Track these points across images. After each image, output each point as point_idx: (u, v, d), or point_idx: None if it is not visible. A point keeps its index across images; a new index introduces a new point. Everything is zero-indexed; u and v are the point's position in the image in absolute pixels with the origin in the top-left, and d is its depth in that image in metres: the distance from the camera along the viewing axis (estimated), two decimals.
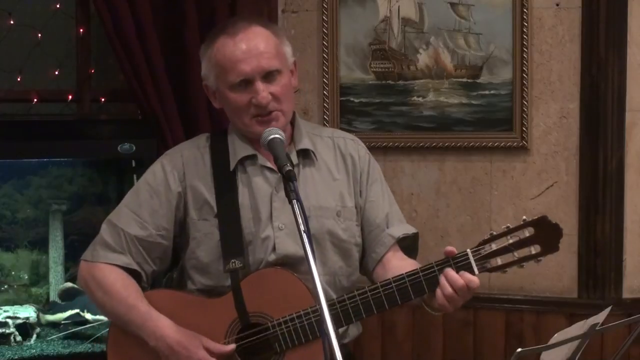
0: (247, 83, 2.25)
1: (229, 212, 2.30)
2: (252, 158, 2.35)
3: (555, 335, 1.87)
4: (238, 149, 2.35)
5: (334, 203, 2.36)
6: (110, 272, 2.31)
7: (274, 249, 2.29)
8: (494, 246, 2.17)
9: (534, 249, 2.17)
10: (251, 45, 2.26)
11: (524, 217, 2.18)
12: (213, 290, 2.31)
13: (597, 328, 1.94)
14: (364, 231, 2.41)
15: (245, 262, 2.28)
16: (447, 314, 3.24)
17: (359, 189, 2.41)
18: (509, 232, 2.17)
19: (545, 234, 2.17)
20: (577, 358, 1.99)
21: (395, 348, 3.31)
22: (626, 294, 3.16)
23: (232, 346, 2.23)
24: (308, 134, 2.41)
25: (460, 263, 2.18)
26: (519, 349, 1.77)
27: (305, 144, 2.37)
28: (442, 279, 2.16)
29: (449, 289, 2.15)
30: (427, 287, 2.19)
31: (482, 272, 2.18)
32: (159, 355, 2.26)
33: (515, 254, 2.17)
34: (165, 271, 2.47)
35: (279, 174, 2.31)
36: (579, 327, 1.93)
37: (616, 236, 3.14)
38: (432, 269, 2.18)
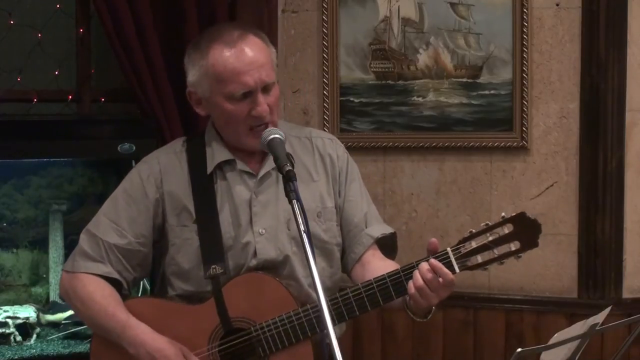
0: (246, 95, 2.24)
1: (207, 218, 2.30)
2: (230, 163, 2.34)
3: (555, 335, 1.87)
4: (216, 153, 2.34)
5: (314, 204, 2.35)
6: (89, 282, 2.31)
7: (254, 254, 2.29)
8: (474, 244, 2.18)
9: (514, 246, 2.18)
10: (253, 57, 2.24)
11: (503, 213, 2.19)
12: (193, 295, 2.31)
13: (597, 328, 1.94)
14: (343, 231, 2.42)
15: (226, 268, 2.27)
16: (447, 313, 3.27)
17: (337, 188, 2.42)
18: (488, 229, 2.19)
19: (524, 230, 2.18)
20: (577, 358, 1.99)
21: (395, 348, 3.31)
22: (626, 294, 3.16)
23: None
24: (287, 135, 2.40)
25: (440, 262, 2.18)
26: (519, 349, 1.77)
27: None
28: (415, 271, 2.17)
29: (419, 280, 2.15)
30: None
31: (463, 270, 2.19)
32: None
33: (495, 251, 2.18)
34: (157, 275, 2.47)
35: (258, 178, 2.32)
36: (579, 327, 1.93)
37: (616, 236, 3.14)
38: (412, 268, 2.19)
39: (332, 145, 2.46)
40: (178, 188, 2.33)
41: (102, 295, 2.30)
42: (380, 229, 2.43)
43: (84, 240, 2.35)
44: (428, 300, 2.16)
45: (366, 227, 2.41)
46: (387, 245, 2.45)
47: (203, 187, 2.32)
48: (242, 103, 2.25)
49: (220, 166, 2.34)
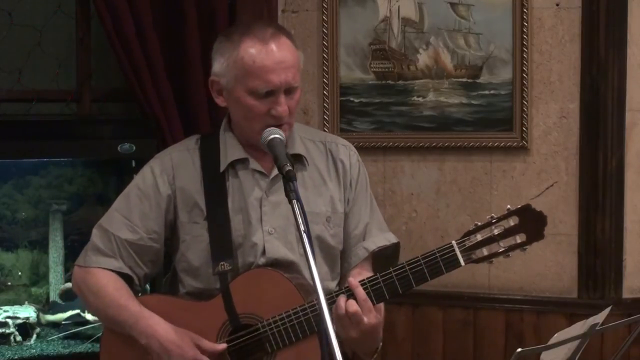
0: (269, 94, 2.24)
1: (218, 215, 2.30)
2: (243, 162, 2.35)
3: (555, 335, 1.87)
4: (230, 151, 2.35)
5: (325, 209, 2.36)
6: (102, 275, 2.33)
7: (263, 252, 2.30)
8: (479, 237, 2.18)
9: (520, 238, 2.18)
10: (282, 57, 2.24)
11: (508, 206, 2.19)
12: (203, 293, 2.32)
13: (597, 328, 1.94)
14: (343, 237, 2.42)
15: (235, 265, 2.28)
16: (447, 313, 3.27)
17: (347, 196, 2.42)
18: (493, 222, 2.18)
19: (530, 222, 2.18)
20: (577, 358, 1.99)
21: (395, 348, 3.31)
22: (626, 294, 3.16)
23: (224, 345, 2.24)
24: (301, 138, 2.41)
25: (445, 255, 2.19)
26: (519, 349, 1.77)
27: (297, 149, 2.37)
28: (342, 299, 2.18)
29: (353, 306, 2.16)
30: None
31: (469, 264, 2.18)
32: (152, 355, 2.26)
33: (501, 243, 2.18)
34: (161, 273, 2.48)
35: (270, 178, 2.32)
36: (579, 327, 1.93)
37: (616, 236, 3.14)
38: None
39: (346, 152, 2.46)
40: (190, 185, 2.34)
41: (114, 288, 2.31)
42: (378, 241, 2.42)
43: (96, 236, 2.36)
44: (345, 332, 2.16)
45: (364, 240, 2.41)
46: (388, 256, 2.44)
47: (215, 184, 2.33)
48: (263, 100, 2.24)
49: (233, 164, 2.35)
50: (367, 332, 2.18)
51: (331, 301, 2.19)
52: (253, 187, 2.33)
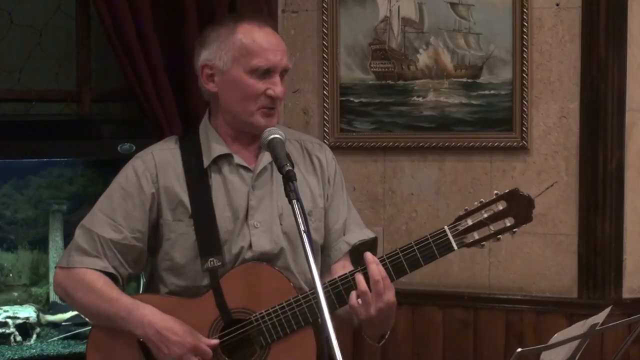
0: (267, 73, 2.28)
1: (203, 212, 2.31)
2: (227, 157, 2.35)
3: (555, 335, 1.87)
4: (213, 147, 2.35)
5: (306, 203, 2.36)
6: (89, 273, 2.32)
7: (250, 246, 2.30)
8: (470, 221, 2.22)
9: (508, 221, 2.22)
10: (278, 40, 2.32)
11: (496, 191, 2.22)
12: (187, 291, 2.32)
13: (597, 328, 1.94)
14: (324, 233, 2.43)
15: (223, 261, 2.29)
16: (447, 313, 3.27)
17: (325, 192, 2.43)
18: (482, 206, 2.22)
19: (518, 206, 2.22)
20: (577, 358, 1.99)
21: (395, 348, 3.31)
22: (626, 294, 3.16)
23: (216, 341, 2.24)
24: None
25: (438, 240, 2.21)
26: (519, 349, 1.77)
27: None
28: (358, 275, 2.19)
29: (363, 285, 2.18)
30: (409, 266, 2.23)
31: (461, 248, 2.22)
32: (149, 345, 2.25)
33: (491, 227, 2.22)
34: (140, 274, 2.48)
35: (256, 173, 2.33)
36: (579, 327, 1.93)
37: (616, 236, 3.14)
38: (412, 248, 2.22)
39: (322, 150, 2.48)
40: (173, 183, 2.34)
41: (104, 282, 2.30)
42: (358, 236, 2.44)
43: (79, 236, 2.35)
44: (367, 309, 2.17)
45: (345, 234, 2.43)
46: (365, 251, 2.45)
47: (198, 181, 2.34)
48: (260, 80, 2.28)
49: (216, 161, 2.35)
50: (384, 310, 2.19)
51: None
52: (238, 182, 2.34)
